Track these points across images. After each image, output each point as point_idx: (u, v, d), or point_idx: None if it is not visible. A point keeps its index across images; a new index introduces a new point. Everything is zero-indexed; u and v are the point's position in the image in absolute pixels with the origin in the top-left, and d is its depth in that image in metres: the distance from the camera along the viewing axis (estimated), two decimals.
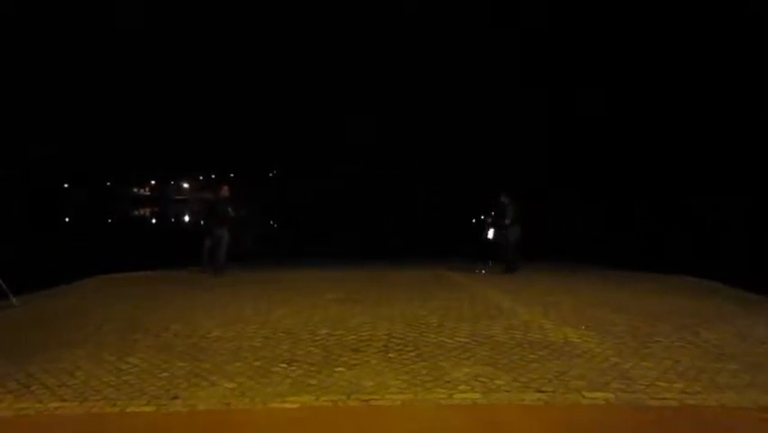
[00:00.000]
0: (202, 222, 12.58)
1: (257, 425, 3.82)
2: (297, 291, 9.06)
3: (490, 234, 12.15)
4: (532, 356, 5.28)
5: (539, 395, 4.28)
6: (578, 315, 7.16)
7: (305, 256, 17.35)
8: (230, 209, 11.58)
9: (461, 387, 4.46)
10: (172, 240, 25.57)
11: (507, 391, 4.36)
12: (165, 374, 4.76)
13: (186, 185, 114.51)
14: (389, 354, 5.36)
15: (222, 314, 7.24)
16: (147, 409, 4.05)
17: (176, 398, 4.23)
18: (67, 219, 44.57)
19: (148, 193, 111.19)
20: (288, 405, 4.11)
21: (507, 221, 11.68)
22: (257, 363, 5.07)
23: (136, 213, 58.39)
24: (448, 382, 4.59)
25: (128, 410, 4.02)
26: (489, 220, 12.11)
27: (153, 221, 48.87)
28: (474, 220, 12.23)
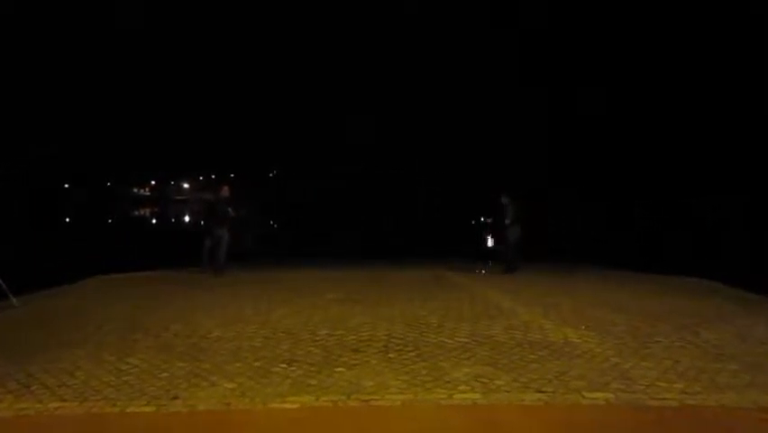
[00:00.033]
0: (202, 222, 12.58)
1: (257, 425, 3.82)
2: (297, 291, 9.06)
3: (489, 242, 12.15)
4: (532, 357, 5.28)
5: (539, 395, 4.28)
6: (578, 315, 7.16)
7: (305, 256, 17.35)
8: (230, 209, 11.58)
9: (462, 387, 4.46)
10: (172, 240, 25.58)
11: (508, 392, 4.36)
12: (165, 375, 4.76)
13: (186, 185, 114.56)
14: (389, 355, 5.36)
15: (222, 314, 7.24)
16: (147, 409, 4.05)
17: (176, 398, 4.23)
18: (67, 219, 44.55)
19: (148, 193, 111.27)
20: (288, 405, 4.11)
21: (507, 221, 11.68)
22: (257, 364, 5.07)
23: (136, 213, 58.39)
24: (448, 382, 4.59)
25: (128, 411, 4.02)
26: (489, 221, 12.11)
27: (153, 221, 48.85)
28: (474, 222, 12.21)
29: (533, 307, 7.71)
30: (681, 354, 5.36)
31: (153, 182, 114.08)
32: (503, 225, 11.76)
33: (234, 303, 8.03)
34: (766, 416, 3.90)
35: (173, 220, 48.02)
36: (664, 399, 4.20)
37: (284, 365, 5.02)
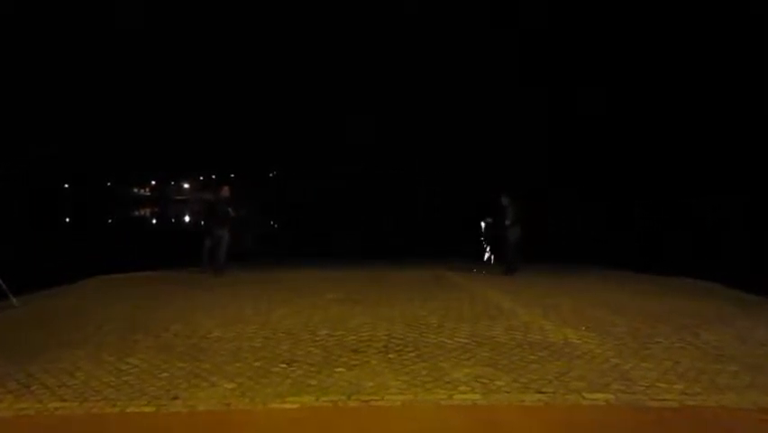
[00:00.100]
0: (202, 222, 12.57)
1: (257, 425, 3.82)
2: (297, 292, 9.06)
3: (486, 255, 12.15)
4: (532, 357, 5.28)
5: (539, 396, 4.28)
6: (578, 316, 7.16)
7: (305, 256, 17.35)
8: (230, 209, 11.58)
9: (462, 388, 4.46)
10: (172, 240, 25.58)
11: (508, 392, 4.36)
12: (165, 375, 4.76)
13: (186, 185, 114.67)
14: (389, 355, 5.36)
15: (222, 314, 7.24)
16: (147, 409, 4.05)
17: (176, 398, 4.23)
18: (67, 219, 44.56)
19: (148, 193, 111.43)
20: (287, 405, 4.11)
21: (508, 222, 11.67)
22: (257, 364, 5.07)
23: (136, 213, 58.43)
24: (448, 382, 4.59)
25: (128, 411, 4.02)
26: (490, 220, 12.09)
27: (153, 221, 48.86)
28: (474, 222, 12.17)
29: (533, 307, 7.71)
30: (681, 356, 5.36)
31: (153, 182, 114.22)
32: (503, 225, 11.75)
33: (234, 303, 8.03)
34: (766, 417, 3.90)
35: (173, 220, 48.00)
36: (664, 400, 4.21)
37: (284, 366, 5.02)
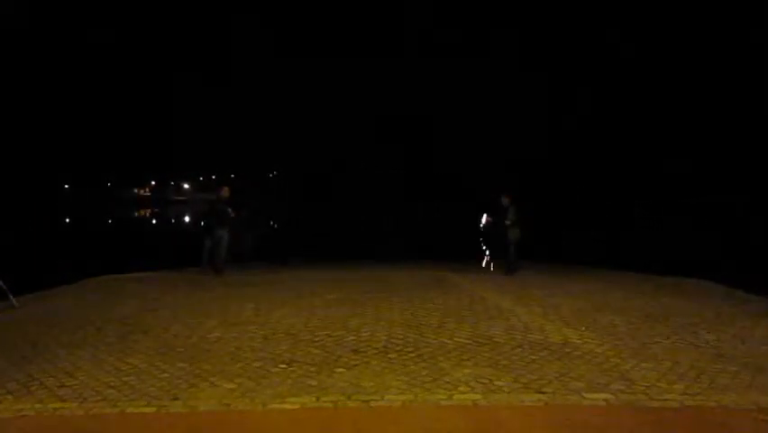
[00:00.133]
0: (202, 222, 12.56)
1: (257, 426, 3.82)
2: (297, 292, 9.05)
3: (485, 260, 12.12)
4: (532, 357, 5.28)
5: (539, 396, 4.28)
6: (578, 316, 7.16)
7: (304, 256, 17.34)
8: (230, 210, 11.58)
9: (462, 388, 4.46)
10: (172, 240, 25.58)
11: (508, 392, 4.36)
12: (165, 375, 4.76)
13: (186, 185, 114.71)
14: (389, 355, 5.36)
15: (222, 315, 7.24)
16: (147, 410, 4.05)
17: (176, 399, 4.23)
18: (67, 220, 44.56)
19: (148, 194, 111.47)
20: (288, 406, 4.11)
21: (508, 222, 11.67)
22: (257, 364, 5.07)
23: (136, 214, 58.43)
24: (448, 382, 4.59)
25: (128, 411, 4.02)
26: (490, 219, 12.06)
27: (153, 222, 48.86)
28: (476, 226, 12.11)
29: (533, 308, 7.71)
30: (681, 356, 5.36)
31: (153, 183, 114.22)
32: (503, 225, 11.74)
33: (234, 304, 8.02)
34: (766, 417, 3.90)
35: (173, 221, 47.99)
36: (664, 400, 4.21)
37: (284, 366, 5.02)
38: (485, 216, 11.86)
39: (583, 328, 6.44)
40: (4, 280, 7.76)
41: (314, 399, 4.24)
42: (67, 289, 9.65)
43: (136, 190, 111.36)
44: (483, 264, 11.52)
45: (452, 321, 6.82)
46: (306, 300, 8.26)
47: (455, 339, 5.96)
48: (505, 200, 11.79)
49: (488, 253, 11.83)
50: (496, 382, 4.57)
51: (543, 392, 4.35)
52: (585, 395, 4.30)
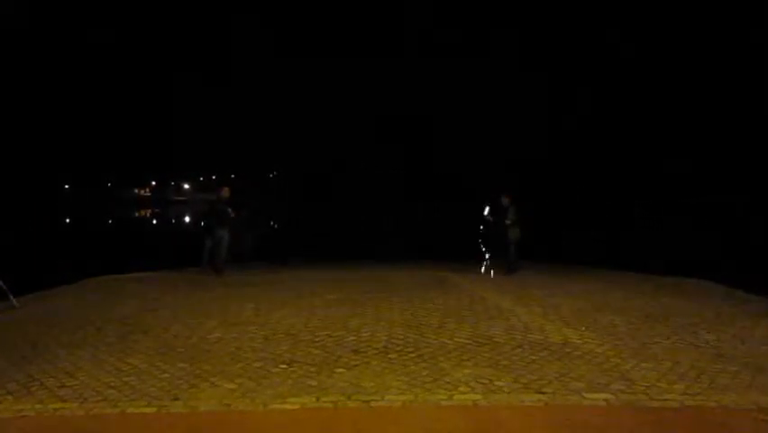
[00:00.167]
0: (202, 223, 12.57)
1: (257, 426, 3.82)
2: (297, 292, 9.06)
3: (484, 266, 12.10)
4: (532, 357, 5.28)
5: (539, 396, 4.28)
6: (578, 316, 7.16)
7: (305, 256, 17.34)
8: (230, 210, 11.58)
9: (462, 388, 4.46)
10: (173, 241, 25.58)
11: (508, 393, 4.36)
12: (165, 375, 4.77)
13: (186, 186, 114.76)
14: (390, 355, 5.36)
15: (222, 315, 7.24)
16: (147, 410, 4.05)
17: (176, 399, 4.23)
18: (67, 220, 44.57)
19: (148, 194, 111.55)
20: (288, 406, 4.12)
21: (508, 222, 11.66)
22: (257, 365, 5.07)
23: (136, 214, 58.47)
24: (448, 383, 4.59)
25: (129, 412, 4.02)
26: (491, 219, 12.05)
27: (154, 222, 48.87)
28: (476, 227, 12.08)
29: (533, 308, 7.71)
30: (681, 356, 5.36)
31: (154, 183, 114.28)
32: (503, 225, 11.74)
33: (235, 304, 8.02)
34: (766, 417, 3.90)
35: (173, 221, 48.00)
36: (665, 400, 4.21)
37: (284, 366, 5.02)
38: (488, 207, 11.82)
39: (583, 328, 6.44)
40: (5, 281, 7.76)
41: (314, 399, 4.24)
42: (67, 289, 9.65)
43: (136, 191, 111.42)
44: (482, 270, 11.49)
45: (452, 321, 6.82)
46: (306, 301, 8.26)
47: (455, 339, 5.96)
48: (505, 200, 11.78)
49: (487, 257, 11.80)
50: (496, 383, 4.58)
51: (543, 392, 4.35)
52: (585, 395, 4.30)
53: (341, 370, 4.92)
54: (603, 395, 4.30)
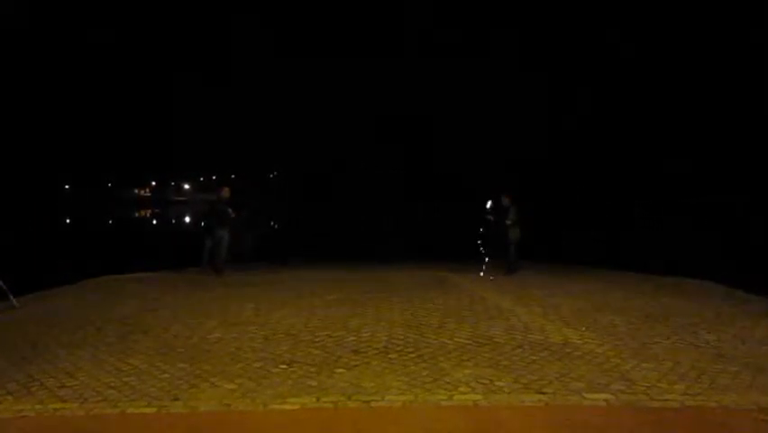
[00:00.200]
0: (202, 223, 12.57)
1: (257, 426, 3.82)
2: (297, 292, 9.05)
3: (483, 270, 12.08)
4: (532, 358, 5.28)
5: (540, 396, 4.28)
6: (578, 316, 7.16)
7: (305, 256, 17.34)
8: (230, 210, 11.59)
9: (462, 388, 4.46)
10: (173, 241, 25.58)
11: (508, 393, 4.36)
12: (166, 376, 4.76)
13: (186, 186, 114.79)
14: (390, 356, 5.36)
15: (222, 315, 7.24)
16: (148, 410, 4.05)
17: (176, 399, 4.23)
18: (67, 220, 44.58)
19: (148, 194, 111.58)
20: (288, 406, 4.12)
21: (508, 222, 11.66)
22: (257, 365, 5.07)
23: (136, 214, 58.49)
24: (449, 383, 4.59)
25: (129, 412, 4.02)
26: (491, 218, 12.03)
27: (154, 222, 48.89)
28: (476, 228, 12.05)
29: (533, 308, 7.71)
30: (681, 356, 5.36)
31: (154, 183, 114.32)
32: (504, 225, 11.73)
33: (235, 304, 8.02)
34: (766, 417, 3.90)
35: (173, 221, 48.02)
36: (665, 400, 4.21)
37: (284, 366, 5.02)
38: (490, 201, 11.79)
39: (583, 328, 6.44)
40: (5, 281, 7.76)
41: (314, 399, 4.24)
42: (67, 289, 9.65)
43: (136, 191, 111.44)
44: (481, 273, 11.47)
45: (452, 321, 6.82)
46: (306, 301, 8.26)
47: (456, 339, 5.96)
48: (505, 200, 11.78)
49: (486, 259, 11.78)
50: (496, 383, 4.57)
51: (543, 393, 4.35)
52: (585, 395, 4.30)
53: (341, 370, 4.92)
54: (603, 395, 4.30)
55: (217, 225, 11.39)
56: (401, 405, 4.14)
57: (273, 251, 19.05)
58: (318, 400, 4.23)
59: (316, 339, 5.98)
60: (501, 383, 4.56)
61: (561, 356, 5.32)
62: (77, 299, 8.67)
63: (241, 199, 19.86)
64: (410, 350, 5.56)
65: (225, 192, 11.86)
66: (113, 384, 4.55)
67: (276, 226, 38.60)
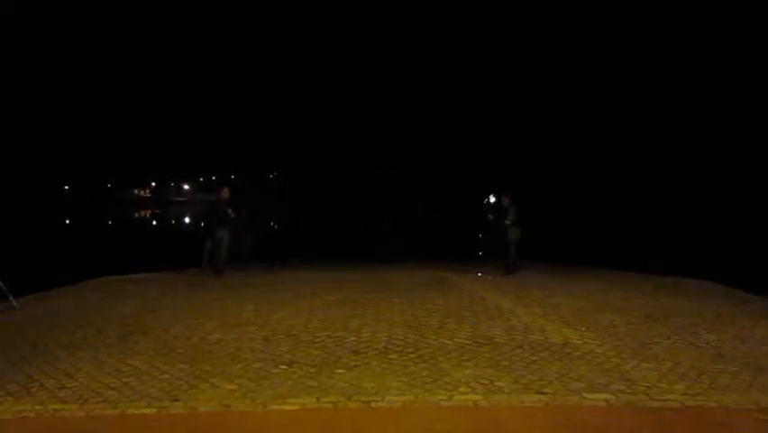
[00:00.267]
0: (202, 223, 12.57)
1: (257, 427, 3.82)
2: (297, 293, 9.05)
3: (480, 274, 12.08)
4: (532, 358, 5.28)
5: (540, 396, 4.28)
6: (578, 316, 7.16)
7: (304, 257, 17.34)
8: (230, 210, 11.58)
9: (462, 388, 4.46)
10: (172, 241, 25.58)
11: (508, 393, 4.36)
12: (165, 376, 4.76)
13: (186, 186, 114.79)
14: (390, 356, 5.36)
15: (222, 315, 7.24)
16: (148, 411, 4.05)
17: (176, 400, 4.23)
18: (67, 220, 44.57)
19: (148, 195, 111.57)
20: (288, 407, 4.11)
21: (508, 222, 11.66)
22: (257, 365, 5.07)
23: (136, 215, 58.49)
24: (449, 383, 4.59)
25: (129, 412, 4.02)
26: (491, 218, 12.04)
27: (153, 222, 48.89)
28: (480, 232, 12.07)
29: (533, 308, 7.70)
30: (681, 356, 5.36)
31: (153, 183, 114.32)
32: (503, 225, 11.74)
33: (235, 304, 8.02)
34: (766, 417, 3.90)
35: (173, 222, 48.02)
36: (665, 400, 4.21)
37: (284, 367, 5.02)
38: (491, 196, 11.80)
39: (583, 329, 6.44)
40: (5, 281, 7.76)
41: (314, 399, 4.24)
42: (67, 289, 9.65)
43: (136, 191, 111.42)
44: (479, 273, 11.48)
45: (452, 322, 6.81)
46: (306, 301, 8.26)
47: (456, 340, 5.96)
48: (505, 200, 11.78)
49: (480, 254, 11.79)
50: (496, 383, 4.57)
51: (543, 393, 4.35)
52: (585, 395, 4.30)
53: (341, 370, 4.92)
54: (603, 395, 4.30)
55: (217, 226, 11.39)
56: (401, 405, 4.14)
57: (273, 251, 19.05)
58: (318, 400, 4.23)
59: (316, 340, 5.98)
60: (501, 384, 4.56)
61: (561, 356, 5.32)
62: (77, 299, 8.67)
63: (240, 200, 19.86)
64: (410, 350, 5.56)
65: (225, 192, 11.85)
66: (113, 385, 4.55)
67: (276, 227, 38.59)
